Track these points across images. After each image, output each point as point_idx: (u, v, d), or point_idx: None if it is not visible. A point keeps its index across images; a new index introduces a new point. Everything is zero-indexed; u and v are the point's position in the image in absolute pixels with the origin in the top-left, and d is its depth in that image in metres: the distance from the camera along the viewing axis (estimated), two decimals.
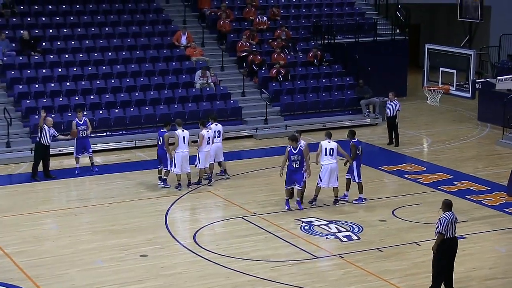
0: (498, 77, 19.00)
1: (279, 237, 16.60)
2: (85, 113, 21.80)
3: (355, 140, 18.77)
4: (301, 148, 17.95)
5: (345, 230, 16.97)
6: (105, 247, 15.89)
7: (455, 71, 19.38)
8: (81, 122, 21.06)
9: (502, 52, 28.63)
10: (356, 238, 16.56)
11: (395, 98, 24.35)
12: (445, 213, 13.04)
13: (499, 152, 23.72)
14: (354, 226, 17.19)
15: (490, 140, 25.21)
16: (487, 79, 20.08)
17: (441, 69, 19.68)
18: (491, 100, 26.07)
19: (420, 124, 27.65)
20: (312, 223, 17.39)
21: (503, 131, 24.96)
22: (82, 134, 21.08)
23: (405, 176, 21.07)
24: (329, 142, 18.25)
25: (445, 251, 13.08)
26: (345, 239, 16.51)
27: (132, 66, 26.58)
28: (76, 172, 21.01)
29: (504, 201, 18.94)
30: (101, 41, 27.33)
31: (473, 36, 31.35)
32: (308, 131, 25.91)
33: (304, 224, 17.32)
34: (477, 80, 19.20)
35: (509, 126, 24.73)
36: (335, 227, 17.14)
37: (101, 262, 15.20)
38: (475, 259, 15.28)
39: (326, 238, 16.56)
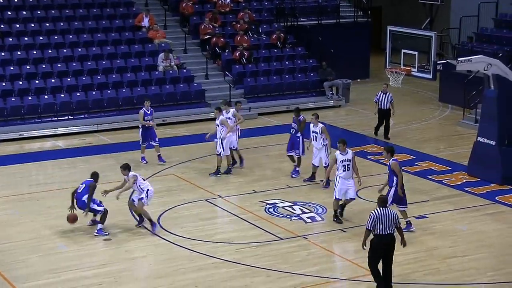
0: (459, 59, 19.18)
1: (243, 219, 16.65)
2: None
3: (302, 116, 19.29)
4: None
5: (309, 211, 17.08)
6: (67, 231, 15.77)
7: (416, 53, 19.53)
8: (149, 112, 20.23)
9: (462, 33, 28.90)
10: (320, 219, 16.67)
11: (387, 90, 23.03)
12: (375, 209, 12.77)
13: (460, 133, 24.00)
14: (318, 207, 17.30)
15: (451, 121, 25.49)
16: (448, 61, 20.25)
17: (403, 51, 19.82)
18: (452, 81, 26.32)
19: None
20: (276, 205, 17.46)
21: (464, 112, 25.25)
22: (150, 124, 20.29)
23: (368, 157, 21.23)
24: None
25: (375, 248, 12.74)
26: (309, 220, 16.62)
27: (94, 49, 26.32)
28: (144, 162, 20.34)
29: (464, 181, 19.22)
30: (62, 24, 27.00)
31: (434, 18, 31.58)
32: (272, 113, 25.98)
33: (268, 206, 17.38)
34: (438, 62, 19.38)
35: (470, 107, 25.01)
36: (299, 208, 17.24)
37: (64, 246, 15.11)
38: (436, 238, 15.49)
39: (290, 219, 16.65)
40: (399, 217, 13.05)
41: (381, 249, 12.74)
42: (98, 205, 15.70)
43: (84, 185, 15.68)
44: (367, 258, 12.90)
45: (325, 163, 18.41)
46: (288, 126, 19.89)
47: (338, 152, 16.42)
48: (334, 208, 16.41)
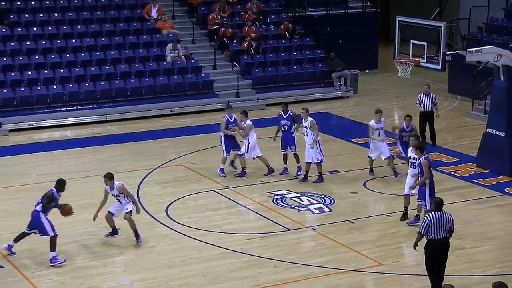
0: (468, 49, 19.12)
1: (251, 210, 16.68)
2: None
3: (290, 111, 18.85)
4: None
5: (316, 202, 17.08)
6: (77, 221, 15.81)
7: (425, 44, 19.45)
8: (232, 120, 18.68)
9: (472, 24, 28.78)
10: (328, 210, 16.68)
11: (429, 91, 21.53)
12: (429, 213, 12.40)
13: (469, 124, 23.94)
14: (325, 198, 17.31)
15: (460, 112, 25.42)
16: (457, 51, 20.16)
17: (411, 41, 19.75)
18: (461, 72, 26.24)
19: (391, 96, 27.78)
20: (284, 195, 17.47)
21: (473, 103, 25.17)
22: (231, 133, 18.66)
23: None
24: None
25: (428, 253, 12.35)
26: (316, 211, 16.63)
27: (102, 39, 26.33)
28: (223, 175, 18.65)
29: (473, 172, 19.18)
30: (70, 14, 27.01)
31: (444, 8, 31.49)
32: (280, 104, 25.88)
33: (276, 196, 17.40)
34: (447, 53, 19.30)
35: (479, 98, 24.94)
36: (307, 199, 17.25)
37: (75, 236, 15.16)
38: None
39: (298, 210, 16.66)
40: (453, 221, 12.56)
41: (434, 254, 12.33)
42: (51, 225, 14.07)
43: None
44: (426, 262, 12.53)
45: (318, 159, 18.01)
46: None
47: (410, 148, 15.95)
48: (404, 205, 16.05)
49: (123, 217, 14.79)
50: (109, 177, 14.71)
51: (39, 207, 14.13)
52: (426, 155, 15.29)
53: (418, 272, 13.51)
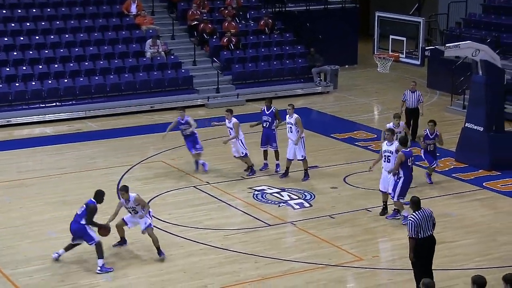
0: (447, 45, 19.22)
1: (232, 206, 16.68)
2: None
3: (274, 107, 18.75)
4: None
5: (297, 197, 17.12)
6: (57, 218, 15.76)
7: (404, 39, 19.58)
8: (183, 121, 18.52)
9: (450, 19, 28.94)
10: (308, 205, 16.72)
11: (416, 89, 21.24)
12: (412, 214, 12.09)
13: (448, 119, 24.06)
14: (306, 193, 17.35)
15: (438, 107, 25.55)
16: (436, 47, 20.29)
17: (391, 36, 19.87)
18: (440, 67, 26.39)
19: (370, 91, 27.88)
20: (265, 191, 17.49)
21: (452, 98, 25.32)
22: (186, 133, 18.61)
23: (356, 143, 21.28)
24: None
25: (417, 251, 12.06)
26: (297, 206, 16.66)
27: (81, 35, 26.19)
28: (203, 169, 18.65)
29: (452, 167, 19.31)
30: (49, 10, 26.84)
31: (423, 4, 31.61)
32: (260, 100, 25.93)
33: (256, 192, 17.41)
34: (426, 48, 19.44)
35: (457, 93, 25.09)
36: (287, 194, 17.28)
37: (54, 233, 15.09)
38: None
39: (279, 206, 16.69)
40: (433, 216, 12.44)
41: (421, 252, 12.16)
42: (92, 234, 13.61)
43: (85, 206, 13.69)
44: (413, 265, 12.33)
45: (302, 156, 17.95)
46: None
47: (385, 141, 15.97)
48: (382, 200, 16.04)
49: (141, 231, 14.08)
50: (125, 189, 13.89)
51: (83, 221, 13.55)
52: (409, 150, 15.39)
53: (398, 266, 13.58)
